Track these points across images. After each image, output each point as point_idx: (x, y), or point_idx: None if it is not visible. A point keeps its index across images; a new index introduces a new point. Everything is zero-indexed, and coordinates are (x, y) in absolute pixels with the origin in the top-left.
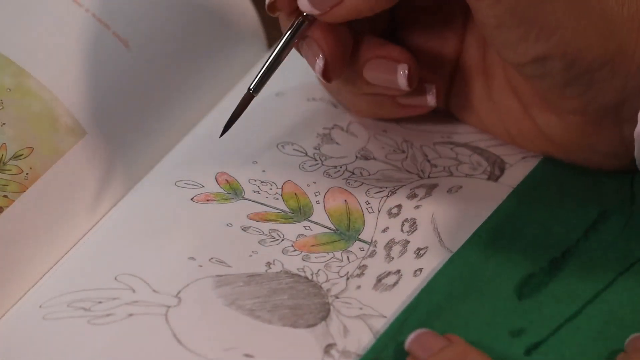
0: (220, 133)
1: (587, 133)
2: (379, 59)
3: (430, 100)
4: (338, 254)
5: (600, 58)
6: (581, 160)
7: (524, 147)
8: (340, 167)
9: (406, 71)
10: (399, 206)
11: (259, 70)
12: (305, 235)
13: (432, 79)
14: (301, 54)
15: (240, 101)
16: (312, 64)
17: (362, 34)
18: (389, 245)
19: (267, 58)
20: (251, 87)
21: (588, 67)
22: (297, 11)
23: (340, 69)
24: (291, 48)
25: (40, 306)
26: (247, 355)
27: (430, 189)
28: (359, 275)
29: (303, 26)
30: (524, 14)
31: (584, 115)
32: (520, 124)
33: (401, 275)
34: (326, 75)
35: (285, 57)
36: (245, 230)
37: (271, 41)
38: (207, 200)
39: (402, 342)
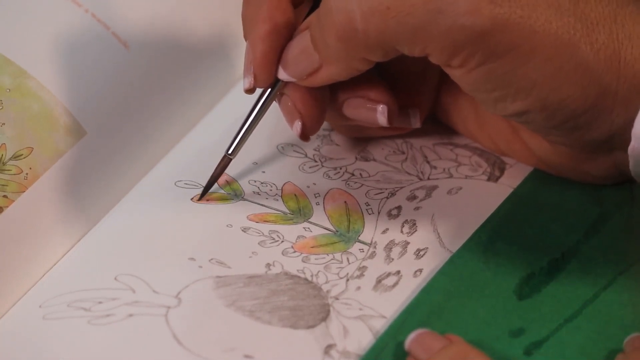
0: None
1: (579, 160)
2: (357, 99)
3: (414, 123)
4: (338, 255)
5: (582, 106)
6: (574, 179)
7: (517, 161)
8: (340, 169)
9: (385, 111)
10: (399, 207)
11: (235, 133)
12: (305, 237)
13: (414, 102)
14: (280, 109)
15: (219, 164)
16: (290, 125)
17: None
18: (388, 247)
19: (244, 121)
20: (229, 152)
21: (570, 115)
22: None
23: (318, 127)
24: (266, 110)
25: (40, 306)
26: (247, 356)
27: (430, 191)
28: (358, 277)
29: (278, 85)
30: (498, 80)
31: (574, 149)
32: (510, 143)
33: (401, 276)
34: (304, 136)
35: (260, 119)
36: (245, 231)
37: None
38: (207, 200)
39: (402, 342)
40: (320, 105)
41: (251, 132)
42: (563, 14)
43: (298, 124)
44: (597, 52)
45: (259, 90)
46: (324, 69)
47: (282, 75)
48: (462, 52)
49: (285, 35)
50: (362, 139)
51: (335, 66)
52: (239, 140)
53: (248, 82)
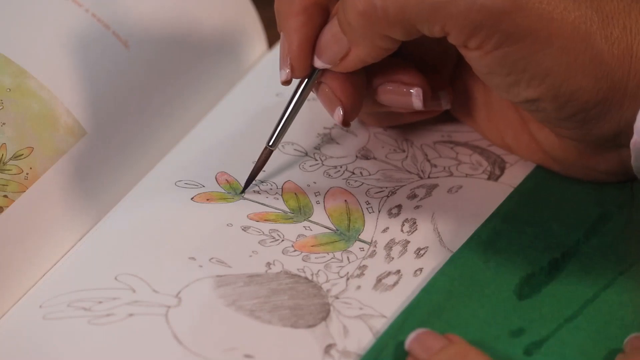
0: (243, 186)
1: (586, 155)
2: (391, 83)
3: (445, 104)
4: (338, 254)
5: (594, 98)
6: (579, 176)
7: (522, 157)
8: (341, 167)
9: (420, 93)
10: (399, 206)
11: (275, 124)
12: (306, 236)
13: (442, 84)
14: (318, 98)
15: (260, 156)
16: (331, 113)
17: None
18: (389, 246)
19: (283, 112)
20: (270, 143)
21: (582, 107)
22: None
23: (357, 112)
24: (305, 99)
25: (40, 306)
26: (247, 356)
27: (431, 189)
28: (359, 276)
29: (316, 74)
30: (513, 64)
31: (582, 143)
32: (518, 136)
33: (401, 275)
34: (345, 122)
35: (299, 109)
36: (245, 231)
37: (271, 41)
38: (207, 200)
39: (402, 342)
40: (358, 91)
41: (290, 123)
42: (580, 5)
43: (339, 111)
44: (612, 45)
45: (295, 81)
46: (352, 52)
47: (318, 63)
48: (480, 33)
49: (319, 24)
50: (359, 140)
51: (361, 46)
52: (279, 132)
53: (285, 74)
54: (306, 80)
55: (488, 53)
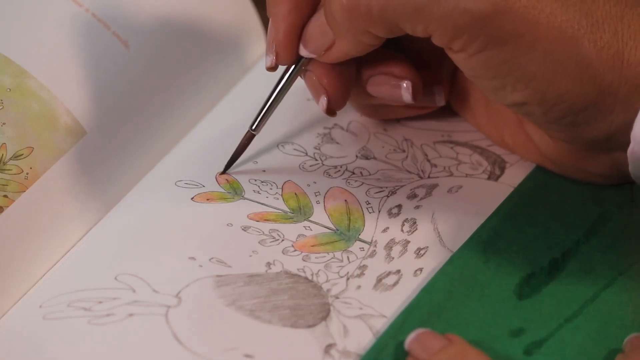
0: (224, 166)
1: (579, 157)
2: (381, 75)
3: (439, 101)
4: (338, 254)
5: (581, 102)
6: (574, 177)
7: (520, 156)
8: (341, 167)
9: (410, 87)
10: (399, 206)
11: (259, 109)
12: (306, 236)
13: (437, 79)
14: (306, 84)
15: (242, 139)
16: (316, 100)
17: None
18: (389, 245)
19: (267, 98)
20: (252, 127)
21: (569, 110)
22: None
23: (343, 102)
24: (290, 86)
25: (40, 306)
26: (247, 356)
27: (431, 189)
28: (359, 275)
29: (302, 62)
30: (498, 68)
31: (574, 145)
32: (515, 135)
33: (401, 275)
34: (330, 111)
35: (284, 95)
36: (245, 230)
37: None
38: (207, 200)
39: (402, 342)
40: (345, 81)
41: (274, 109)
42: (569, 9)
43: (324, 99)
44: (600, 50)
45: (282, 68)
46: (337, 44)
47: (303, 52)
48: (463, 36)
49: (307, 13)
50: (359, 140)
51: (345, 40)
52: (262, 116)
53: (270, 60)
54: (292, 67)
55: (472, 56)
